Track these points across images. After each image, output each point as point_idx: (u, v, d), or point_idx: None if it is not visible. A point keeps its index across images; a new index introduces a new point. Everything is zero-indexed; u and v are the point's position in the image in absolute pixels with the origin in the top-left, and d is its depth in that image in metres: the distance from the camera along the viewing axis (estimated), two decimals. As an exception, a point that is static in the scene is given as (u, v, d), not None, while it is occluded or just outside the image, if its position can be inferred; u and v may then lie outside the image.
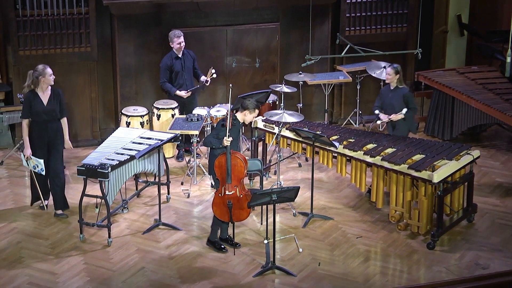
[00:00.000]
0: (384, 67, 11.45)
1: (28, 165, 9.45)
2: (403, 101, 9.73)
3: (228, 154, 8.52)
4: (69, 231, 9.27)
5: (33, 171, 9.48)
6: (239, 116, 8.83)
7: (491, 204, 9.98)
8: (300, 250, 8.86)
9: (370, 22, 12.06)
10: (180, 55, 10.82)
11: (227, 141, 8.51)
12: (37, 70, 9.29)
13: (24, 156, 9.40)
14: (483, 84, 11.61)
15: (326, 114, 11.85)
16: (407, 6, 12.10)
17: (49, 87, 9.40)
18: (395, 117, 9.68)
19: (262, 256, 8.68)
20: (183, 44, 10.78)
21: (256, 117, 8.94)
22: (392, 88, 9.82)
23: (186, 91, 10.84)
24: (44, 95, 9.35)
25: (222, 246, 8.86)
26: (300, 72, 11.22)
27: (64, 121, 9.53)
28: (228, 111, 8.70)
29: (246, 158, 8.71)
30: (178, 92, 10.83)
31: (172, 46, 10.80)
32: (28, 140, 9.37)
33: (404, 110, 9.65)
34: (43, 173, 9.40)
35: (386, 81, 9.91)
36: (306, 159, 11.03)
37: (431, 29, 13.76)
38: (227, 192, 8.59)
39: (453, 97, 11.48)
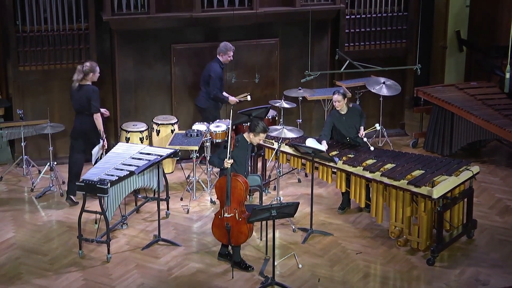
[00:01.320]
0: (384, 83, 11.46)
1: (99, 157, 9.88)
2: (359, 116, 9.83)
3: (229, 176, 8.50)
4: (68, 247, 9.25)
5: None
6: (246, 136, 8.80)
7: (491, 220, 9.97)
8: (300, 266, 8.84)
9: (370, 37, 12.09)
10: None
11: (227, 163, 8.49)
12: (87, 65, 9.90)
13: (104, 147, 9.94)
14: (483, 100, 11.62)
15: (325, 129, 11.85)
16: (406, 22, 12.13)
17: None
18: (365, 132, 9.86)
19: (262, 272, 8.68)
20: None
21: (262, 140, 8.89)
22: (343, 112, 9.83)
23: (235, 98, 11.08)
24: None
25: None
26: (300, 87, 11.24)
27: None
28: (230, 127, 8.68)
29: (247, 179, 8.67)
30: (231, 98, 10.98)
31: (222, 56, 10.86)
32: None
33: (377, 125, 9.93)
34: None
35: (337, 108, 9.82)
36: (306, 175, 11.02)
37: (430, 44, 13.80)
38: (225, 215, 8.57)
39: (452, 113, 11.49)
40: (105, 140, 10.01)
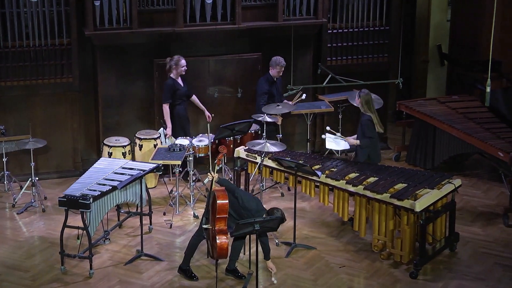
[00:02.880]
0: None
1: (166, 142, 10.83)
2: (361, 128, 9.93)
3: (210, 190, 8.48)
4: (50, 263, 9.19)
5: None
6: None
7: (473, 233, 10.00)
8: (275, 281, 8.72)
9: (352, 52, 12.14)
10: (275, 80, 11.08)
11: (210, 174, 8.48)
12: (173, 59, 10.82)
13: (166, 135, 10.84)
14: (464, 114, 11.68)
15: (308, 143, 11.86)
16: (388, 36, 12.20)
17: None
18: (352, 141, 10.01)
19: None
20: None
21: None
22: (362, 110, 10.03)
23: (280, 116, 11.11)
24: (179, 79, 10.88)
25: (193, 275, 8.82)
26: (281, 101, 11.25)
27: (194, 97, 11.15)
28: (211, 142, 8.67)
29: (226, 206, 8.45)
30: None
31: (272, 70, 11.04)
32: (170, 121, 10.87)
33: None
34: None
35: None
36: (289, 189, 11.02)
37: (412, 59, 13.87)
38: (204, 225, 8.55)
39: (434, 126, 11.53)
40: (168, 131, 10.82)
